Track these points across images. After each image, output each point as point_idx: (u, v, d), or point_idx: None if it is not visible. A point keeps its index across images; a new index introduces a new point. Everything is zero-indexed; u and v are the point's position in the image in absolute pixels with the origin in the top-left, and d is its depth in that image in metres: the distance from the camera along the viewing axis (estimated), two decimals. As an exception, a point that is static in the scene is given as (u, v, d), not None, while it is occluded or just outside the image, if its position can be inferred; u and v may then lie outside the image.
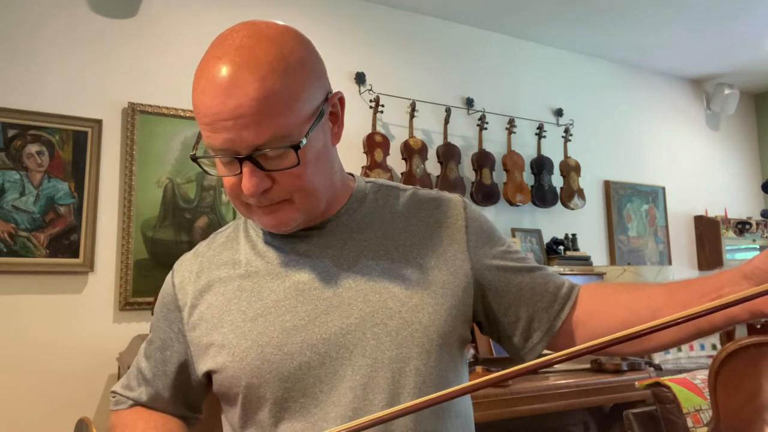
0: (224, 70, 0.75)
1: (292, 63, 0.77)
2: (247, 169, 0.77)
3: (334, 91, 0.86)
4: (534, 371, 0.65)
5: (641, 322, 0.81)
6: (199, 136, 0.81)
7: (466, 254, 0.91)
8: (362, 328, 0.83)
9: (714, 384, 0.69)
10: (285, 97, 0.75)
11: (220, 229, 1.00)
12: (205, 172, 0.85)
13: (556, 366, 2.52)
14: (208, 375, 0.89)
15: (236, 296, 0.87)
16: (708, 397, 1.90)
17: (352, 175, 0.97)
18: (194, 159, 0.82)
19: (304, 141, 0.77)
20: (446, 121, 3.51)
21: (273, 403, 0.83)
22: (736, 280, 0.78)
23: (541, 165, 3.81)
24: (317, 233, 0.89)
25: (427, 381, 0.83)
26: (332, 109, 0.86)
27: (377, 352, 0.82)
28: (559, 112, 4.07)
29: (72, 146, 2.61)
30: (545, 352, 0.92)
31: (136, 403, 0.98)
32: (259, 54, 0.75)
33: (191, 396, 0.96)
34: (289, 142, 0.77)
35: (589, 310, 0.90)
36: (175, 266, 0.97)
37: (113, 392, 1.01)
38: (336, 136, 0.88)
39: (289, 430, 0.82)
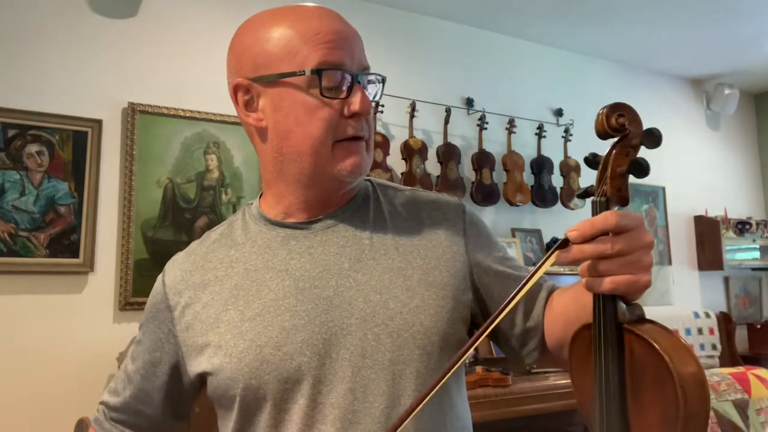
0: (319, 7, 0.85)
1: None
2: (360, 88, 0.83)
3: None
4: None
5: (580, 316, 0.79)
6: (289, 76, 0.81)
7: (465, 257, 0.90)
8: (363, 328, 0.81)
9: (570, 368, 0.73)
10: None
11: (212, 228, 0.97)
12: (322, 92, 0.81)
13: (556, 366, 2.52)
14: (202, 377, 0.86)
15: (233, 295, 0.85)
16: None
17: None
18: (316, 72, 0.80)
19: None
20: (446, 121, 3.51)
21: (272, 405, 0.81)
22: None
23: (541, 165, 3.81)
24: (317, 231, 0.88)
25: (427, 383, 0.81)
26: None
27: (378, 354, 0.80)
28: (559, 112, 4.06)
29: (72, 146, 2.61)
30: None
31: (121, 408, 0.95)
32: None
33: (181, 399, 0.94)
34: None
35: (555, 312, 0.88)
36: (167, 266, 0.94)
37: (102, 403, 0.98)
38: None
39: None
